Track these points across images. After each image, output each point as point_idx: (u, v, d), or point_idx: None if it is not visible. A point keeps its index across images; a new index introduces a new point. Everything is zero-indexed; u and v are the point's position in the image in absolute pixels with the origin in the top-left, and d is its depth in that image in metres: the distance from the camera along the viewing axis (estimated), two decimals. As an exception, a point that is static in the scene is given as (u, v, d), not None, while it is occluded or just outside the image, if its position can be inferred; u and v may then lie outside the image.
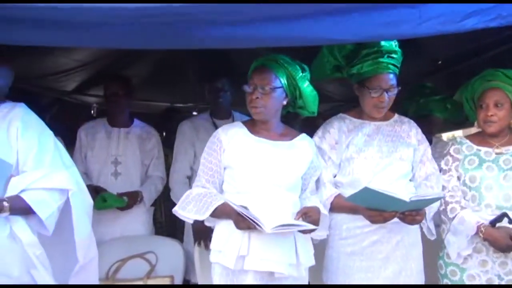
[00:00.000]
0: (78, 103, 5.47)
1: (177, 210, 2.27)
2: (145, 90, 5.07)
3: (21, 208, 2.07)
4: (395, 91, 2.46)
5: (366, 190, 2.16)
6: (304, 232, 2.19)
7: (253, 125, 2.36)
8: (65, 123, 4.22)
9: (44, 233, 2.14)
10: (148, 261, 3.10)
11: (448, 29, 1.95)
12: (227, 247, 2.20)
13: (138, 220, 3.39)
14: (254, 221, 2.01)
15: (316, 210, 2.24)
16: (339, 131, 2.54)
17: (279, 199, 2.23)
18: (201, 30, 1.87)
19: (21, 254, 2.08)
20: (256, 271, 2.18)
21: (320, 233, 2.35)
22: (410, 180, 2.56)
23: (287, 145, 2.34)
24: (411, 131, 2.58)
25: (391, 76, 2.44)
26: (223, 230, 2.25)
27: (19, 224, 2.09)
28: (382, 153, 2.49)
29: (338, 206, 2.44)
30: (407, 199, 2.19)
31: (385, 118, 2.57)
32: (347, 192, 2.42)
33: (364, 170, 2.47)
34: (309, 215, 2.18)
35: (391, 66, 2.43)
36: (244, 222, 2.05)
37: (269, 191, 2.23)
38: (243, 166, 2.26)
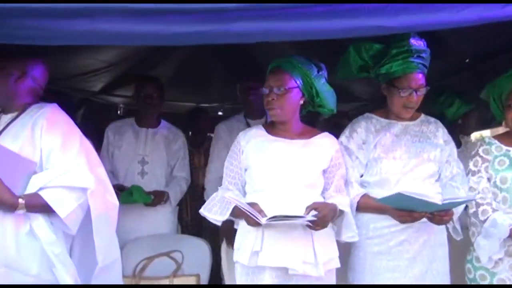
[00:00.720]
0: (104, 103, 5.56)
1: (203, 212, 2.33)
2: (170, 90, 5.11)
3: (38, 206, 2.08)
4: (423, 90, 2.45)
5: (399, 195, 2.16)
6: (314, 228, 2.16)
7: (272, 127, 2.40)
8: (93, 123, 4.28)
9: (68, 232, 2.14)
10: (174, 260, 3.13)
11: (492, 15, 1.84)
12: (243, 245, 2.26)
13: (163, 219, 3.43)
14: (250, 213, 2.05)
15: (327, 207, 2.22)
16: (366, 131, 2.53)
17: (295, 196, 2.24)
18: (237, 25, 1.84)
19: (42, 252, 2.08)
20: (272, 269, 2.20)
21: (348, 234, 2.35)
22: (436, 181, 2.53)
23: (304, 143, 2.35)
24: (438, 132, 2.57)
25: (420, 75, 2.43)
26: (242, 229, 2.31)
27: (39, 222, 2.10)
28: (410, 153, 2.48)
29: (365, 206, 2.44)
30: (440, 202, 2.20)
31: (412, 118, 2.56)
32: (374, 192, 2.45)
33: (392, 170, 2.46)
34: (318, 210, 2.16)
35: (420, 66, 2.42)
36: (252, 218, 2.08)
37: (285, 188, 2.25)
38: (259, 165, 2.30)
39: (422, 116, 2.61)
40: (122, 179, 3.35)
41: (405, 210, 2.28)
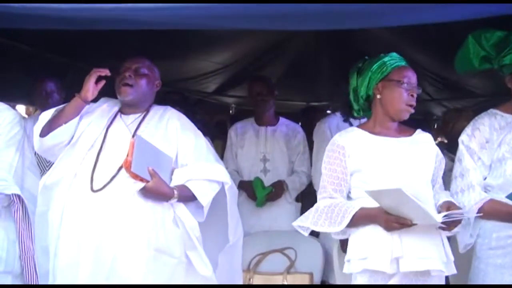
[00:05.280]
0: (217, 103, 5.78)
1: (310, 227, 2.22)
2: (281, 90, 5.19)
3: (186, 196, 2.31)
4: None
5: None
6: (448, 229, 2.10)
7: (369, 126, 2.30)
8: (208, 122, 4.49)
9: (197, 219, 2.36)
10: (287, 257, 3.19)
11: None
12: (376, 252, 2.12)
13: (285, 213, 3.50)
14: (426, 212, 1.97)
15: (456, 206, 2.15)
16: (490, 128, 2.35)
17: (420, 195, 2.09)
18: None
19: (181, 237, 2.32)
20: (404, 273, 2.11)
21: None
22: None
23: (411, 140, 2.27)
24: None
25: None
26: (365, 236, 2.17)
27: (182, 210, 2.33)
28: None
29: (492, 211, 2.26)
30: None
31: None
32: (498, 197, 2.25)
33: None
34: (452, 209, 2.08)
35: None
36: (398, 221, 2.02)
37: (408, 188, 2.09)
38: (374, 167, 2.20)
39: None
40: (246, 178, 3.52)
41: None
